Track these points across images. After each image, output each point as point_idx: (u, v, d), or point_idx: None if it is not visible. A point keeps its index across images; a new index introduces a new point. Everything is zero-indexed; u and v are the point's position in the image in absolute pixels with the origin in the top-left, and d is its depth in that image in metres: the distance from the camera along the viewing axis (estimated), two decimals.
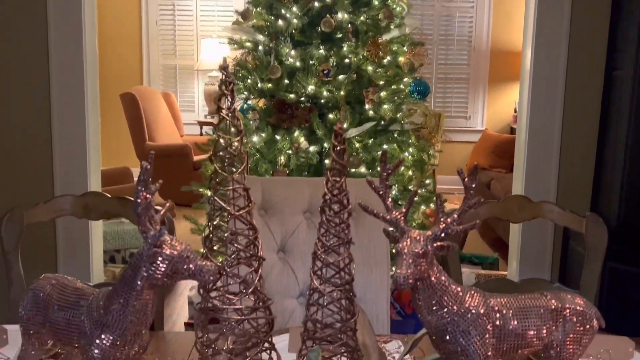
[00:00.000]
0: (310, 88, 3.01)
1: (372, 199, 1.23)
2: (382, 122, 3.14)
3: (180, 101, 7.46)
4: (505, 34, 7.17)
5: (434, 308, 1.13)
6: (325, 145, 3.04)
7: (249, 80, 3.15)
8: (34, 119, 3.19)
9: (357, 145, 3.05)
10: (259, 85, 3.11)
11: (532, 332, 1.17)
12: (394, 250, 1.10)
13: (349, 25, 3.08)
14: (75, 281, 1.23)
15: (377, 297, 1.96)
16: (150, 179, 1.09)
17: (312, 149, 3.04)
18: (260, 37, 3.17)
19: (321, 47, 3.05)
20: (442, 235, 1.11)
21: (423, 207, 3.29)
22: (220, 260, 1.21)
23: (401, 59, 3.20)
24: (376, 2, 3.11)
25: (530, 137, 3.24)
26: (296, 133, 3.05)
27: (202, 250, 1.22)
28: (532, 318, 1.18)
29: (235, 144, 1.15)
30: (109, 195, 2.00)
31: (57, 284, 1.21)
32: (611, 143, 3.07)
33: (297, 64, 3.05)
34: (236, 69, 3.16)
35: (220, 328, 1.17)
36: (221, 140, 1.16)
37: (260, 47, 3.18)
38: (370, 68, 3.05)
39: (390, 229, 1.15)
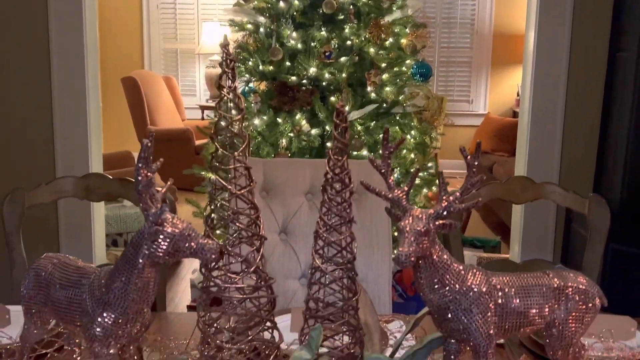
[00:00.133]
0: (312, 70, 3.00)
1: (374, 180, 1.22)
2: (384, 105, 3.13)
3: (182, 85, 7.43)
4: (508, 16, 7.12)
5: (436, 286, 1.12)
6: (327, 128, 3.03)
7: (250, 63, 3.14)
8: (36, 102, 3.18)
9: (359, 128, 3.04)
10: (260, 67, 3.09)
11: (534, 311, 1.17)
12: (395, 234, 1.09)
13: (351, 7, 3.06)
14: (76, 260, 1.23)
15: (379, 278, 1.96)
16: (152, 158, 1.08)
17: (313, 131, 3.03)
18: (262, 19, 3.14)
19: (323, 28, 3.03)
20: (445, 213, 1.10)
21: (425, 190, 3.28)
22: (221, 240, 1.20)
23: (403, 40, 3.17)
24: None
25: (533, 120, 3.22)
26: (298, 116, 3.03)
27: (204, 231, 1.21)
28: (534, 296, 1.17)
29: (237, 123, 1.14)
30: (110, 177, 2.00)
31: (58, 263, 1.21)
32: (614, 125, 3.06)
33: (299, 46, 3.03)
34: (237, 51, 3.14)
35: (222, 307, 1.17)
36: (222, 122, 1.15)
37: (262, 29, 3.16)
38: (372, 50, 3.03)
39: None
